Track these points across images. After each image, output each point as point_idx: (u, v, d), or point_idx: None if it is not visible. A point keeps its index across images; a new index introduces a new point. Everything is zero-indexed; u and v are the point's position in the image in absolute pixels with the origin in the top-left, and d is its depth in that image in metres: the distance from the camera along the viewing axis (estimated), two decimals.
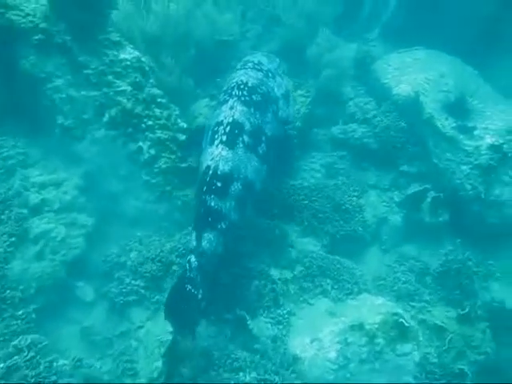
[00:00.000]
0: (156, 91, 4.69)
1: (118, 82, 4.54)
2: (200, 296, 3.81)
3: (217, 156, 4.11)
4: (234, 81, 4.64)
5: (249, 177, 4.23)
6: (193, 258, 3.83)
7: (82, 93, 4.52)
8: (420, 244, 5.62)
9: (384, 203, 5.91)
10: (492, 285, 5.03)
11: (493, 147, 5.37)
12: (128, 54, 4.58)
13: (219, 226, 3.95)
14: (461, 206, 5.50)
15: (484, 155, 5.38)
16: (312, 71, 6.78)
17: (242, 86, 4.52)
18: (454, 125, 5.68)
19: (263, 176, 4.47)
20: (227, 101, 4.45)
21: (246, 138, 4.27)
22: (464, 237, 5.54)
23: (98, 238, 4.57)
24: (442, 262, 4.99)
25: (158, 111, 4.66)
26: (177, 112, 4.81)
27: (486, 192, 5.30)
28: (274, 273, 4.72)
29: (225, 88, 4.75)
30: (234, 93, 4.47)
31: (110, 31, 4.55)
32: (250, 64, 4.94)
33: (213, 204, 3.95)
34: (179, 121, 4.76)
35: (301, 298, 4.67)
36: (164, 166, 4.69)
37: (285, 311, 4.39)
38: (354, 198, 5.47)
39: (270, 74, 4.98)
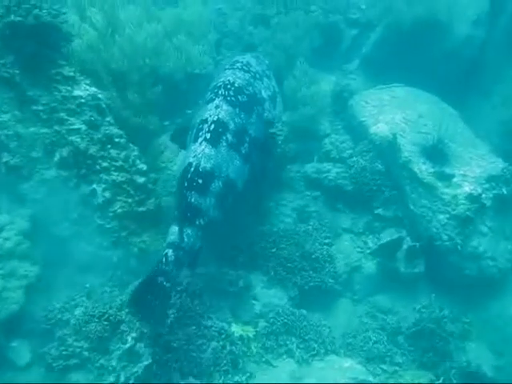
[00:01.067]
0: (114, 130, 4.33)
1: (71, 119, 4.18)
2: (171, 289, 3.82)
3: (199, 153, 4.13)
4: (221, 80, 4.64)
5: (230, 175, 4.25)
6: (170, 252, 3.78)
7: (31, 129, 4.13)
8: (394, 295, 5.34)
9: (357, 249, 5.62)
10: (468, 345, 4.74)
11: (471, 197, 5.13)
12: (83, 90, 4.22)
13: (197, 222, 3.96)
14: (437, 256, 5.22)
15: (462, 205, 5.14)
16: (288, 103, 6.50)
17: (228, 86, 4.53)
18: (432, 170, 5.43)
19: (245, 176, 4.49)
20: (213, 100, 4.46)
21: (229, 137, 4.30)
22: (440, 288, 5.28)
23: (41, 289, 4.16)
24: (416, 321, 4.69)
25: (114, 152, 4.30)
26: (136, 153, 4.45)
27: (463, 243, 5.03)
28: (235, 329, 4.35)
29: (211, 87, 4.75)
30: (220, 92, 4.48)
31: (63, 65, 4.19)
32: (238, 64, 4.94)
33: (193, 200, 3.96)
34: (138, 162, 4.41)
35: (263, 359, 4.31)
36: (120, 211, 4.33)
37: (244, 377, 4.01)
38: (325, 247, 5.16)
39: (258, 76, 5.01)
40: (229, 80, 4.61)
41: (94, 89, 4.32)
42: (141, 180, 4.41)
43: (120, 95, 4.78)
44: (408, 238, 5.49)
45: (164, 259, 3.75)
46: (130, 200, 4.30)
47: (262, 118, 4.85)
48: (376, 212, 5.79)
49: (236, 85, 4.58)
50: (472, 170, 5.52)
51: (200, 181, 4.03)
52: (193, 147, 4.23)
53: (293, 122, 6.22)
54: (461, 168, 5.55)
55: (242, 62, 5.01)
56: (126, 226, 4.37)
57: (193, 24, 6.11)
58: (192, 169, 4.06)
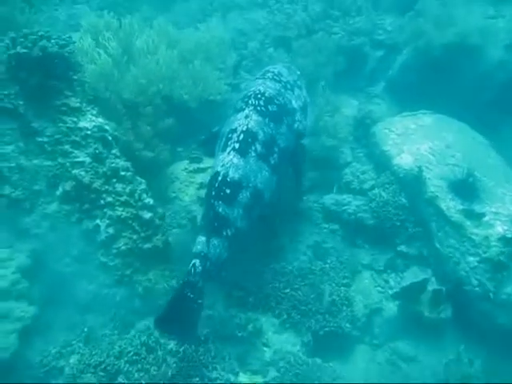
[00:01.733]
0: (120, 163, 4.13)
1: (75, 152, 4.00)
2: (199, 301, 3.77)
3: (228, 163, 4.11)
4: (252, 90, 4.62)
5: (258, 186, 4.20)
6: (197, 262, 3.81)
7: (34, 162, 3.96)
8: (417, 341, 4.92)
9: (378, 288, 5.26)
10: None
11: (504, 239, 4.70)
12: (89, 121, 4.04)
13: (225, 233, 3.95)
14: (466, 301, 4.80)
15: (494, 247, 4.71)
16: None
17: (258, 96, 4.49)
18: (461, 207, 5.03)
19: (273, 186, 4.42)
20: (243, 109, 4.44)
21: (258, 147, 4.25)
22: (469, 336, 4.86)
23: (39, 330, 3.93)
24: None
25: (119, 186, 4.08)
26: (143, 186, 4.23)
27: (495, 290, 4.60)
28: (243, 379, 4.02)
29: (241, 96, 4.72)
30: (250, 102, 4.45)
31: (69, 95, 4.01)
32: (269, 74, 4.88)
33: (220, 210, 3.96)
34: (145, 196, 4.18)
35: None
36: (124, 248, 4.10)
37: None
38: (343, 288, 4.79)
39: (289, 86, 4.92)
40: (259, 90, 4.56)
41: (100, 120, 4.14)
42: (147, 215, 4.18)
43: (131, 126, 4.57)
44: (433, 279, 5.10)
45: (192, 270, 3.76)
46: (135, 236, 4.07)
47: (292, 129, 4.75)
48: (399, 249, 5.43)
49: (266, 95, 4.53)
50: (505, 208, 5.09)
51: (228, 191, 4.01)
52: (221, 156, 4.21)
53: (313, 151, 5.90)
54: (492, 205, 5.12)
55: (273, 72, 4.93)
56: (130, 263, 4.14)
57: (211, 49, 5.90)
58: (220, 178, 4.04)
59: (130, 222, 4.06)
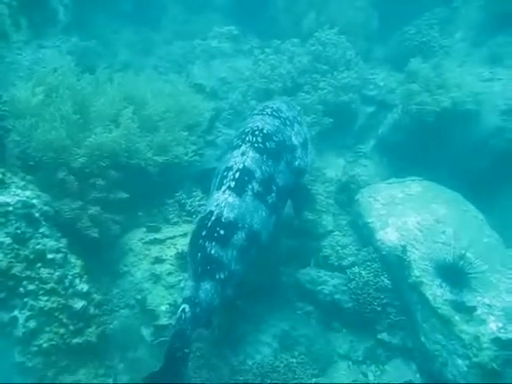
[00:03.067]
0: (49, 244, 3.56)
1: None
2: (186, 350, 3.44)
3: (222, 202, 3.89)
4: (249, 126, 4.42)
5: (254, 227, 3.97)
6: (187, 308, 3.52)
7: None
8: None
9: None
10: None
11: (498, 341, 4.06)
12: (12, 195, 3.48)
13: (218, 277, 3.69)
14: None
15: (486, 350, 4.07)
16: None
17: (256, 132, 4.32)
18: (449, 297, 4.42)
19: (270, 227, 4.19)
20: (239, 146, 4.24)
21: (255, 185, 4.06)
22: None
23: None
24: None
25: (45, 272, 3.50)
26: (76, 270, 3.65)
27: None
28: None
29: (238, 132, 4.52)
30: (247, 138, 4.27)
31: None
32: (267, 110, 4.68)
33: (213, 252, 3.69)
34: (77, 282, 3.60)
35: None
36: (46, 345, 3.44)
37: None
38: None
39: (288, 122, 4.73)
40: (257, 126, 4.38)
41: (28, 193, 3.60)
42: (79, 305, 3.58)
43: (78, 199, 4.02)
44: (418, 376, 4.44)
45: (182, 315, 3.47)
46: (62, 330, 3.46)
47: (291, 167, 4.53)
48: (380, 337, 4.82)
49: (264, 131, 4.34)
50: (500, 298, 4.47)
51: (222, 232, 3.76)
52: (215, 195, 3.99)
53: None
54: (486, 294, 4.50)
55: (271, 108, 4.72)
56: (54, 362, 3.49)
57: (183, 106, 5.41)
58: (213, 217, 3.81)
59: (57, 313, 3.44)
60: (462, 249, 4.80)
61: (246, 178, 4.04)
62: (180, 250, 4.55)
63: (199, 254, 3.69)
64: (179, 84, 6.51)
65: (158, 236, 4.66)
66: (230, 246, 3.80)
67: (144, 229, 4.78)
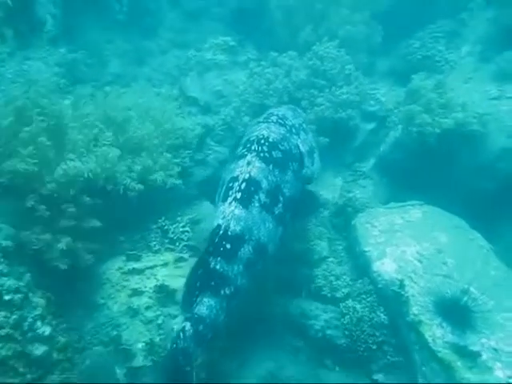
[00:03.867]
0: (6, 283, 3.23)
1: None
2: (187, 368, 3.32)
3: (228, 214, 3.78)
4: (255, 135, 4.31)
5: (261, 239, 3.87)
6: (188, 326, 3.40)
7: None
8: None
9: None
10: None
11: None
12: None
13: (223, 292, 3.59)
14: None
15: None
16: None
17: (262, 141, 4.21)
18: (450, 339, 4.08)
19: (277, 239, 4.08)
20: (245, 155, 4.12)
21: (262, 196, 3.95)
22: None
23: None
24: None
25: (0, 316, 3.15)
26: (37, 312, 3.33)
27: None
28: None
29: (243, 141, 4.42)
30: (253, 147, 4.16)
31: None
32: (273, 118, 4.60)
33: (218, 267, 3.60)
34: (39, 325, 3.29)
35: None
36: None
37: None
38: None
39: (294, 130, 4.66)
40: (263, 134, 4.27)
41: None
42: (39, 350, 3.26)
43: (46, 229, 3.72)
44: None
45: (181, 334, 3.34)
46: (17, 381, 3.11)
47: (298, 176, 4.43)
48: (375, 377, 4.44)
49: (270, 140, 4.24)
50: (508, 341, 4.11)
51: (228, 246, 3.66)
52: (221, 208, 3.88)
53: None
54: (491, 336, 4.16)
55: (277, 115, 4.65)
56: None
57: (169, 130, 5.12)
58: (221, 232, 3.69)
59: (12, 362, 3.11)
60: (466, 282, 4.47)
61: (253, 189, 3.93)
62: (160, 282, 4.25)
63: (199, 270, 3.57)
64: (169, 99, 6.25)
65: (137, 266, 4.38)
66: (237, 260, 3.70)
67: (124, 257, 4.47)
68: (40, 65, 5.96)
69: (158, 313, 4.10)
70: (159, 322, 4.05)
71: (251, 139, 4.28)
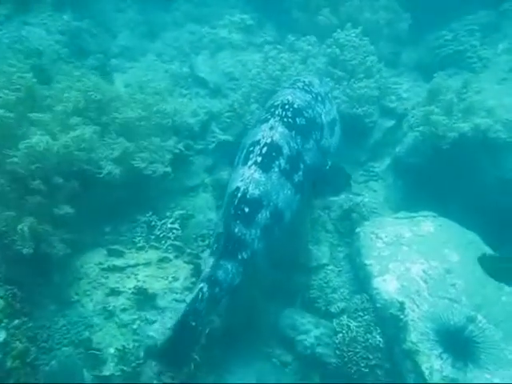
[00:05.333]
0: None
1: None
2: (199, 328, 3.44)
3: (248, 178, 3.72)
4: (280, 99, 4.20)
5: (279, 205, 3.83)
6: (205, 288, 3.42)
7: None
8: None
9: None
10: None
11: None
12: None
13: (240, 256, 3.58)
14: None
15: None
16: None
17: (286, 107, 4.11)
18: (450, 372, 3.77)
19: (295, 207, 4.02)
20: (268, 120, 4.03)
21: (282, 162, 3.88)
22: None
23: None
24: None
25: None
26: None
27: None
28: None
29: (267, 105, 4.33)
30: (276, 112, 4.07)
31: None
32: (299, 84, 4.50)
33: (236, 230, 3.57)
34: None
35: None
36: None
37: None
38: None
39: (320, 98, 4.55)
40: (288, 99, 4.17)
41: None
42: None
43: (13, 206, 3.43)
44: None
45: (200, 295, 3.38)
46: None
47: (320, 145, 4.36)
48: None
49: (295, 106, 4.14)
50: None
51: (246, 209, 3.62)
52: (241, 170, 3.81)
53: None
54: (496, 372, 3.80)
55: (303, 82, 4.53)
56: None
57: (166, 112, 4.74)
58: (239, 194, 3.63)
59: None
60: (473, 309, 4.07)
61: (274, 154, 3.84)
62: (140, 283, 3.94)
63: (223, 232, 3.55)
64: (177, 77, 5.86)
65: (118, 262, 4.08)
66: (254, 224, 3.66)
67: (105, 251, 4.17)
68: (40, 31, 5.60)
69: (135, 317, 3.81)
70: (135, 326, 3.76)
71: (276, 104, 4.16)
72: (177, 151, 4.54)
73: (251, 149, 3.90)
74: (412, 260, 4.50)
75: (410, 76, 6.92)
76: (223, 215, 3.73)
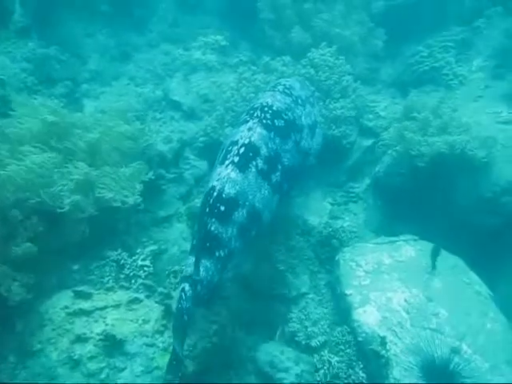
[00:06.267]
0: None
1: None
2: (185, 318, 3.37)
3: (224, 177, 3.73)
4: (259, 102, 4.29)
5: (256, 205, 3.84)
6: (187, 287, 3.41)
7: None
8: None
9: None
10: None
11: None
12: None
13: (217, 254, 3.57)
14: None
15: None
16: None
17: (265, 109, 4.19)
18: None
19: (273, 207, 4.04)
20: (247, 121, 4.10)
21: (260, 162, 3.90)
22: None
23: None
24: None
25: None
26: None
27: None
28: None
29: (248, 108, 4.41)
30: (255, 114, 4.14)
31: None
32: (280, 87, 4.58)
33: (213, 229, 3.57)
34: None
35: None
36: None
37: None
38: None
39: (300, 101, 4.62)
40: (267, 102, 4.25)
41: None
42: None
43: None
44: None
45: (183, 295, 3.36)
46: None
47: (299, 147, 4.41)
48: None
49: (274, 108, 4.22)
50: None
51: (222, 208, 3.62)
52: (218, 169, 3.83)
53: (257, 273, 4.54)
54: None
55: (284, 85, 4.61)
56: None
57: (135, 137, 4.56)
58: (215, 193, 3.65)
59: None
60: (458, 338, 3.95)
61: (251, 154, 3.87)
62: (109, 327, 3.72)
63: (202, 231, 3.54)
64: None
65: (85, 305, 3.84)
66: (231, 223, 3.65)
67: (72, 293, 3.94)
68: (4, 59, 5.39)
69: (103, 365, 3.59)
70: (102, 376, 3.54)
71: (255, 106, 4.23)
72: (147, 180, 4.34)
73: (229, 148, 3.92)
74: (393, 288, 4.36)
75: (387, 93, 6.86)
76: (199, 215, 3.72)
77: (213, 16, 8.43)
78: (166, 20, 8.28)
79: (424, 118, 4.87)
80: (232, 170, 3.77)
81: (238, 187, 3.72)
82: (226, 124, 5.77)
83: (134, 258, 4.13)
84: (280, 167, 4.09)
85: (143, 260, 4.11)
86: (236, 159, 3.81)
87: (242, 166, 3.80)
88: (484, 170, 4.97)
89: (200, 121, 6.35)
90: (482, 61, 6.07)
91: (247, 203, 3.76)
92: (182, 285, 3.43)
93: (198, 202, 5.21)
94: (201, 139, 5.72)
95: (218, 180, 3.73)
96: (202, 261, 3.45)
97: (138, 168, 4.36)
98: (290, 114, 4.35)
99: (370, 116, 6.16)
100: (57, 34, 6.34)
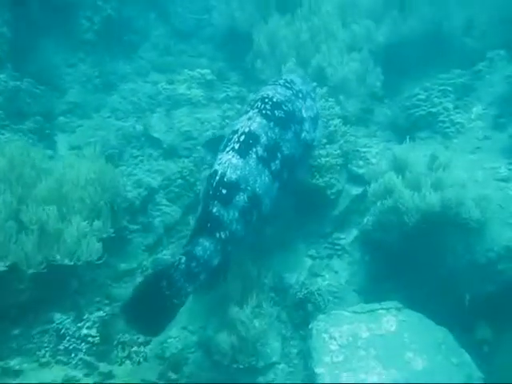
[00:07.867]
0: None
1: None
2: (174, 300, 3.49)
3: (225, 162, 3.85)
4: (260, 94, 4.38)
5: (257, 190, 3.93)
6: (183, 259, 3.53)
7: None
8: None
9: None
10: None
11: None
12: None
13: (218, 235, 3.65)
14: None
15: None
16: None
17: (266, 100, 4.27)
18: None
19: (273, 194, 4.12)
20: (247, 112, 4.23)
21: (260, 150, 4.00)
22: None
23: None
24: None
25: None
26: None
27: None
28: None
29: (249, 100, 4.57)
30: (256, 105, 4.23)
31: None
32: (281, 81, 4.63)
33: (214, 210, 3.66)
34: None
35: None
36: None
37: None
38: None
39: (301, 95, 4.65)
40: (268, 94, 4.33)
41: None
42: None
43: None
44: None
45: (176, 263, 3.49)
46: None
47: (300, 139, 4.46)
48: None
49: (274, 100, 4.29)
50: None
51: (224, 191, 3.73)
52: (220, 155, 3.96)
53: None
54: None
55: (285, 80, 4.66)
56: None
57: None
58: (217, 177, 3.76)
59: None
60: None
61: (251, 142, 3.96)
62: None
63: (203, 211, 3.66)
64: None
65: None
66: (232, 206, 3.74)
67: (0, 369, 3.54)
68: None
69: None
70: None
71: (256, 98, 4.32)
72: (110, 233, 3.98)
73: (230, 137, 4.04)
74: (368, 369, 3.91)
75: (382, 136, 6.46)
76: (202, 197, 3.82)
77: (207, 44, 8.17)
78: (157, 47, 8.00)
79: (417, 171, 4.49)
80: (233, 155, 3.86)
81: (239, 172, 3.81)
82: (205, 166, 5.40)
83: (77, 326, 3.71)
84: (280, 156, 4.15)
85: (88, 328, 3.70)
86: (236, 146, 3.91)
87: (242, 151, 3.89)
88: (478, 232, 4.53)
89: (180, 159, 5.99)
90: (481, 108, 5.64)
91: (248, 188, 3.85)
92: (180, 256, 3.54)
93: (166, 253, 4.84)
94: (177, 182, 5.34)
95: (219, 164, 3.84)
96: (201, 240, 3.55)
97: (98, 222, 3.98)
98: (290, 105, 4.39)
99: (361, 162, 5.76)
100: (35, 65, 6.05)
